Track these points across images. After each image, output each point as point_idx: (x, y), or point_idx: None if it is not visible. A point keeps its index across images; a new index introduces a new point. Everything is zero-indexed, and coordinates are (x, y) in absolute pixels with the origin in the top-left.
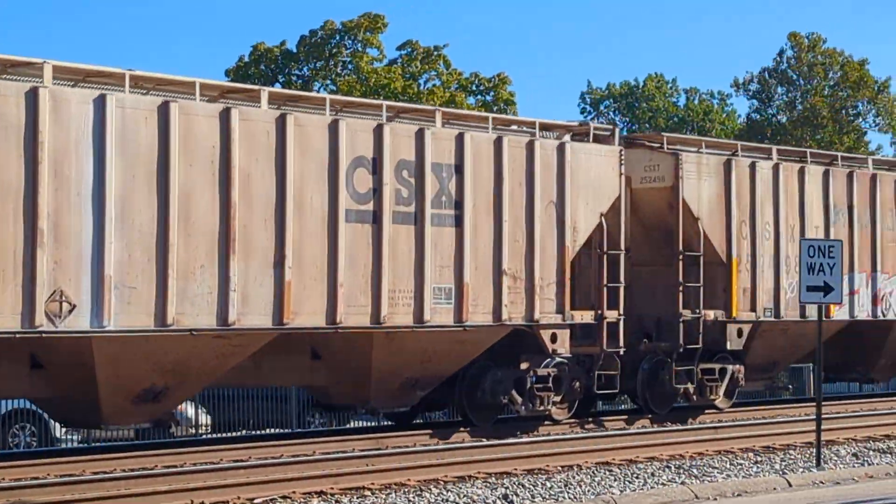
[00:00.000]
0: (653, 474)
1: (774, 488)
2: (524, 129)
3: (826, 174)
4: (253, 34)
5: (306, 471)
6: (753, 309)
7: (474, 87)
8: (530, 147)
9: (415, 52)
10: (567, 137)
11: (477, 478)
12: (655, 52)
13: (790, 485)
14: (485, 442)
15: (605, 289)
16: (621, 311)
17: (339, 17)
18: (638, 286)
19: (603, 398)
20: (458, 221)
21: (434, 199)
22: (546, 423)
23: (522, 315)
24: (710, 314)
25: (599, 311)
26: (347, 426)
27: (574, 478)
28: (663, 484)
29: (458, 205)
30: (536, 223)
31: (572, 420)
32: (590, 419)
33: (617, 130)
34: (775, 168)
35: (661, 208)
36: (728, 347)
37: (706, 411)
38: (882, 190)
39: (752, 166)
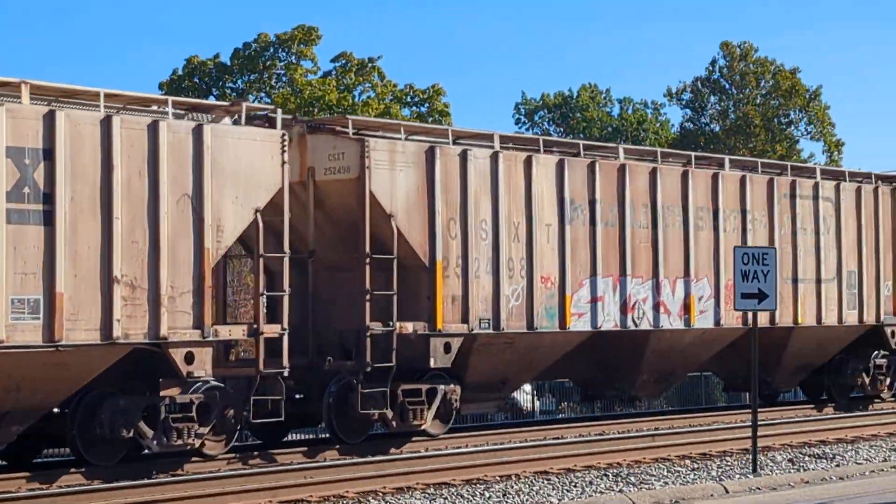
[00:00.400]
0: (591, 482)
1: (711, 495)
2: (159, 109)
3: (561, 164)
4: (187, 47)
5: (245, 484)
6: (466, 320)
7: (409, 99)
8: (154, 129)
9: (349, 65)
10: (227, 120)
11: (416, 489)
12: (589, 62)
13: (727, 491)
14: (422, 452)
15: (262, 298)
16: (285, 325)
17: (273, 30)
18: (331, 295)
19: (297, 425)
20: (48, 218)
21: (12, 191)
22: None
23: (145, 332)
24: (409, 326)
25: (255, 326)
26: (286, 440)
27: (513, 487)
28: (601, 492)
29: (48, 198)
30: (163, 221)
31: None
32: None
33: (280, 112)
34: (494, 157)
35: (349, 203)
36: (431, 365)
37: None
38: (633, 183)
39: (464, 154)
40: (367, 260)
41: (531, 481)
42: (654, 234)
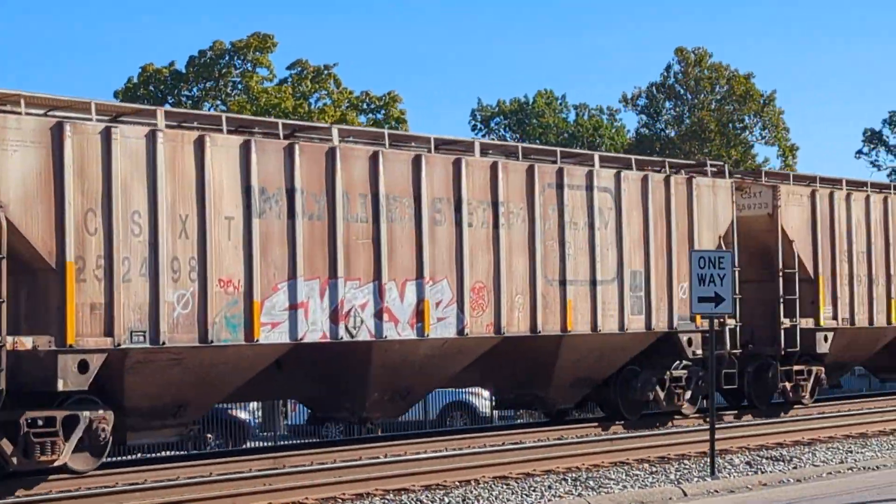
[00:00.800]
0: (550, 487)
1: (670, 498)
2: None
3: (247, 146)
4: (141, 55)
5: (203, 492)
6: (111, 333)
7: (365, 106)
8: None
9: (305, 72)
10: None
11: (375, 495)
12: (544, 68)
13: (685, 494)
14: (381, 459)
15: None
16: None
17: (228, 38)
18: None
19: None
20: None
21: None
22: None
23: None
24: (27, 341)
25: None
26: (244, 447)
27: (472, 492)
28: (560, 496)
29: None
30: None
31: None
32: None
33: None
34: (151, 136)
35: None
36: (60, 387)
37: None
38: (347, 169)
39: (107, 132)
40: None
41: (491, 486)
42: (375, 229)
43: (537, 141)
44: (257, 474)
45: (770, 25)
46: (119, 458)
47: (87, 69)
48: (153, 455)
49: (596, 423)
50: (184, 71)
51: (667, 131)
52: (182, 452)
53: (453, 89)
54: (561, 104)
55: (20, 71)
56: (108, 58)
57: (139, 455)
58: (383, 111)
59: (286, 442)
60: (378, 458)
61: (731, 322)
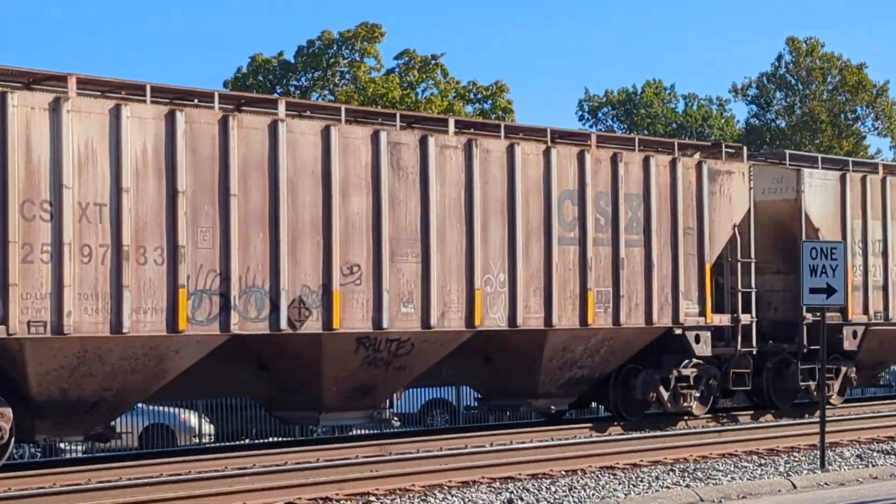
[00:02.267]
0: (657, 478)
1: (779, 490)
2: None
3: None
4: (251, 45)
5: (310, 477)
6: None
7: (472, 96)
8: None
9: (412, 62)
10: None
11: (481, 482)
12: (653, 58)
13: (794, 486)
14: (487, 447)
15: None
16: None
17: (336, 28)
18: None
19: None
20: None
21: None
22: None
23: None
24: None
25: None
26: (350, 433)
27: (578, 482)
28: (667, 487)
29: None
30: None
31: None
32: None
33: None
34: None
35: None
36: None
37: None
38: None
39: None
40: None
41: (597, 476)
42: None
43: (645, 132)
44: (363, 461)
45: (883, 14)
46: (228, 444)
47: (198, 60)
48: (262, 441)
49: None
50: (292, 61)
51: (777, 122)
52: (289, 438)
53: (561, 79)
54: (669, 94)
55: (134, 62)
56: (218, 48)
57: (247, 440)
58: (490, 101)
59: (391, 430)
60: (483, 446)
61: (745, 318)
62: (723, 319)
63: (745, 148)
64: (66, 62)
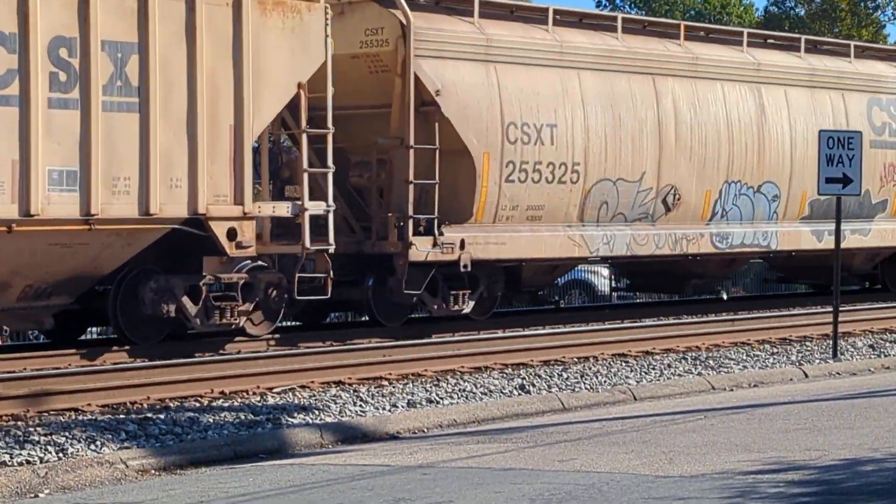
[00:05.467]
0: (669, 366)
1: (791, 379)
2: None
3: None
4: None
5: (324, 361)
6: None
7: None
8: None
9: None
10: None
11: (493, 368)
12: None
13: (806, 375)
14: (500, 333)
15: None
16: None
17: None
18: None
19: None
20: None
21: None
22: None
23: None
24: None
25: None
26: (363, 319)
27: (590, 369)
28: (679, 375)
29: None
30: None
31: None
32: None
33: None
34: None
35: None
36: None
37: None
38: None
39: None
40: None
41: (609, 363)
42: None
43: (663, 18)
44: (376, 346)
45: None
46: None
47: None
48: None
49: None
50: None
51: (797, 10)
52: (301, 323)
53: None
54: None
55: None
56: None
57: None
58: None
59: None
60: (497, 333)
61: (315, 206)
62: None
63: None
64: None
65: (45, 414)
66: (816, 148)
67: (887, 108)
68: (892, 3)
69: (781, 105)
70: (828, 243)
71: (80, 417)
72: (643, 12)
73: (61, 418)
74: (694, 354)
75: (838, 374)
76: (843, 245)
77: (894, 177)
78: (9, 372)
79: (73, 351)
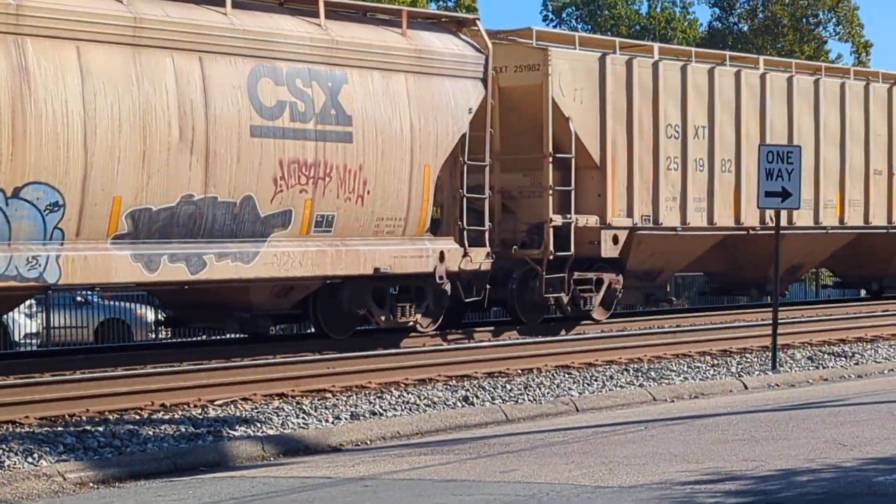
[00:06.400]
0: (611, 377)
1: (731, 390)
2: None
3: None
4: None
5: (267, 373)
6: None
7: None
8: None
9: None
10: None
11: (437, 380)
12: None
13: (746, 387)
14: (445, 346)
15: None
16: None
17: None
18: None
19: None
20: None
21: None
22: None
23: None
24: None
25: None
26: (307, 332)
27: (534, 381)
28: (621, 386)
29: None
30: None
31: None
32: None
33: None
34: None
35: None
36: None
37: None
38: None
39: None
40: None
41: (552, 375)
42: None
43: (609, 33)
44: (320, 358)
45: None
46: (184, 339)
47: None
48: (218, 338)
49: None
50: None
51: (740, 25)
52: (245, 335)
53: None
54: None
55: None
56: None
57: (203, 337)
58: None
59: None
60: (441, 345)
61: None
62: None
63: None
64: None
65: None
66: (142, 135)
67: (289, 80)
68: (834, 20)
69: (68, 71)
70: (171, 273)
71: (18, 430)
72: (589, 27)
73: None
74: (636, 366)
75: (777, 385)
76: (204, 275)
77: (303, 179)
78: None
79: None
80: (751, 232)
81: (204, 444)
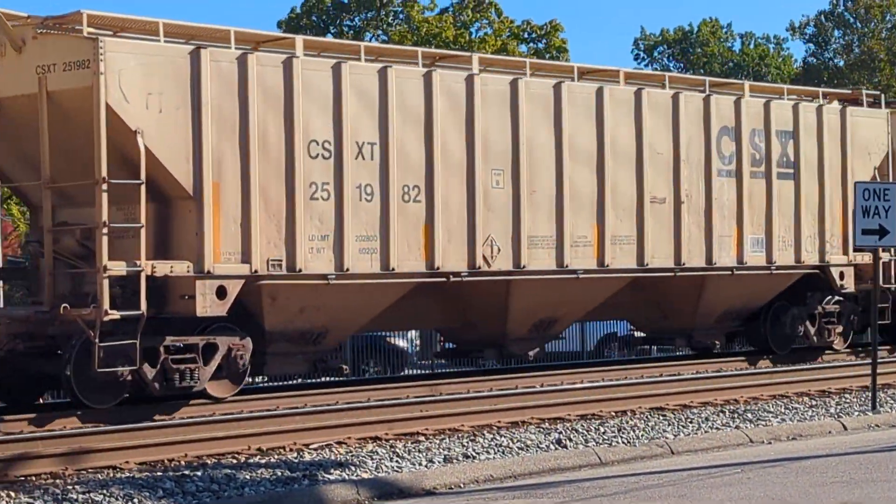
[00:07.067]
0: (707, 419)
1: (829, 431)
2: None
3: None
4: None
5: (361, 417)
6: None
7: (526, 35)
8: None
9: (466, 1)
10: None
11: (530, 423)
12: None
13: (845, 428)
14: (537, 388)
15: None
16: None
17: None
18: None
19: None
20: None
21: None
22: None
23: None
24: None
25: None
26: (401, 374)
27: (628, 423)
28: (717, 428)
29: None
30: None
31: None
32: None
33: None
34: None
35: None
36: None
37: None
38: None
39: None
40: None
41: (647, 417)
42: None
43: (701, 71)
44: (413, 401)
45: None
46: (280, 383)
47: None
48: (313, 381)
49: (743, 357)
50: (346, 1)
51: (835, 60)
52: (340, 378)
53: (616, 18)
54: (726, 33)
55: (186, 3)
56: None
57: (298, 380)
58: (544, 40)
59: (443, 370)
60: (534, 387)
61: (884, 255)
62: (864, 257)
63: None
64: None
65: (84, 472)
66: None
67: None
68: None
69: None
70: None
71: (118, 475)
72: (681, 65)
73: (99, 476)
74: (732, 407)
75: (878, 426)
76: None
77: None
78: (48, 430)
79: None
80: (452, 279)
81: (300, 487)
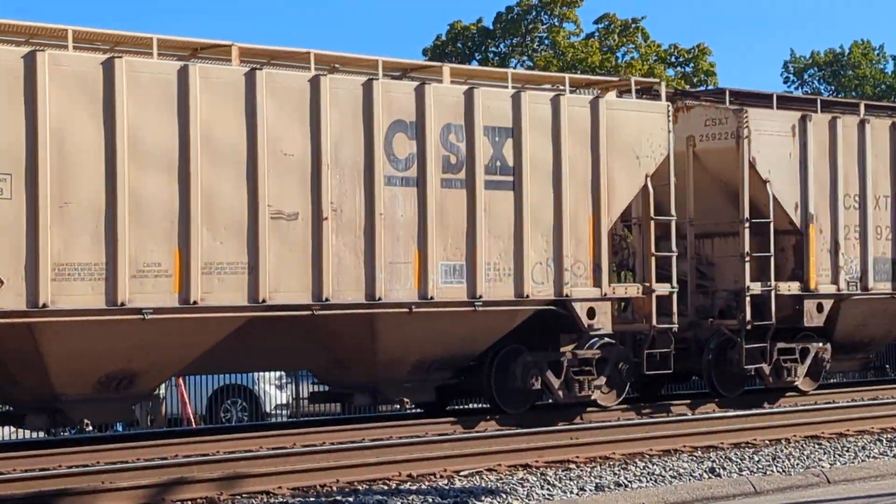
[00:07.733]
0: (863, 448)
1: None
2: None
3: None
4: (450, 12)
5: (511, 444)
6: None
7: (673, 59)
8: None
9: (612, 26)
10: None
11: (683, 451)
12: (862, 17)
13: None
14: (690, 416)
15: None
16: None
17: None
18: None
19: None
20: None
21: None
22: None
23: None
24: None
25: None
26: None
27: (782, 451)
28: (874, 457)
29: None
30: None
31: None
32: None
33: (663, 84)
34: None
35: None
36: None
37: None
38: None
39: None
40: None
41: (802, 445)
42: None
43: (854, 94)
44: (563, 429)
45: None
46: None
47: (397, 27)
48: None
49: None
50: (491, 27)
51: None
52: (487, 405)
53: (765, 40)
54: (878, 55)
55: (327, 29)
56: (418, 16)
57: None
58: (692, 64)
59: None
60: (685, 414)
61: (661, 287)
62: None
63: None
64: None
65: (238, 497)
66: None
67: None
68: None
69: None
70: None
71: (271, 500)
72: (832, 87)
73: (253, 501)
74: (889, 436)
75: None
76: None
77: None
78: (203, 455)
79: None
80: None
81: None
